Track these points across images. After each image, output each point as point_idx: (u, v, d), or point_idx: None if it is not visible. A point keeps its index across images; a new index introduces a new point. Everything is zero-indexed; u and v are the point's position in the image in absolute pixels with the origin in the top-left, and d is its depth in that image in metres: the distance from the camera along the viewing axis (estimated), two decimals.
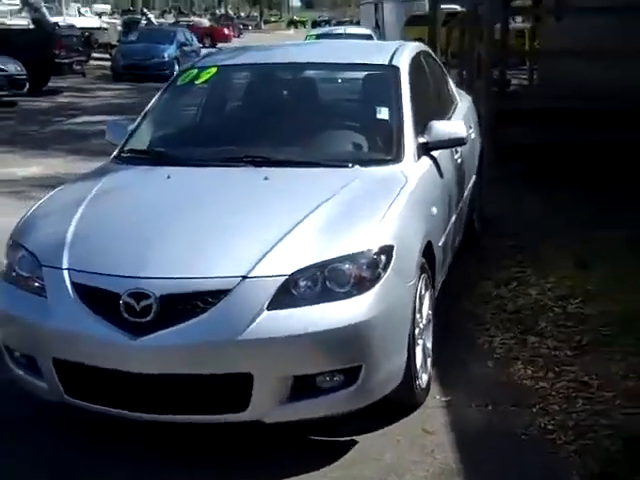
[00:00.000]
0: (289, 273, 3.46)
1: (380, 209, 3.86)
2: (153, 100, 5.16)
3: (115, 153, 4.85)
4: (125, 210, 4.07)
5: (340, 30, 24.35)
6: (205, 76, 5.13)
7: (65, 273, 3.62)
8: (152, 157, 4.68)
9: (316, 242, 3.61)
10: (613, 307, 5.21)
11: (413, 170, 4.38)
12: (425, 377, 4.10)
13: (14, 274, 3.86)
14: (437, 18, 18.10)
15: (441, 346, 4.39)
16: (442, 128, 4.66)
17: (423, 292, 4.02)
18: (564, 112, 8.95)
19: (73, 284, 3.58)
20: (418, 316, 3.94)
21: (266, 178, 4.20)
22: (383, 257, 3.61)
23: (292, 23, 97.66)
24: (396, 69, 4.94)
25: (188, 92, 5.32)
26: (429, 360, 4.21)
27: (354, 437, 3.85)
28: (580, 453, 3.69)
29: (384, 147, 4.56)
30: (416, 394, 4.00)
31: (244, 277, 3.44)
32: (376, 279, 3.56)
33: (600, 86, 9.03)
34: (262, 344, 3.37)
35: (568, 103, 9.18)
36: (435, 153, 4.68)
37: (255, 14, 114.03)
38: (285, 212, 3.85)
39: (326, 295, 3.48)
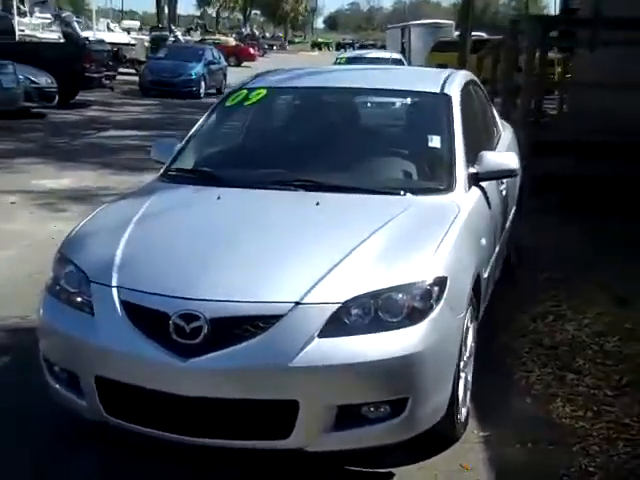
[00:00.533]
0: (342, 301, 3.43)
1: (434, 239, 3.83)
2: (201, 120, 5.17)
3: (162, 171, 4.85)
4: (175, 230, 4.06)
5: (373, 54, 24.29)
6: (254, 98, 5.12)
7: (114, 291, 3.61)
8: (200, 177, 4.67)
9: (370, 271, 3.58)
10: None
11: (464, 200, 4.36)
12: (464, 411, 4.07)
13: (59, 288, 3.86)
14: (467, 45, 18.22)
15: (479, 379, 4.34)
16: (493, 159, 4.64)
17: (469, 324, 3.99)
18: (598, 144, 8.94)
19: (122, 302, 3.57)
20: (463, 349, 3.90)
21: (318, 203, 4.18)
22: (436, 288, 3.58)
23: (316, 45, 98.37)
24: (448, 97, 4.93)
25: (237, 113, 5.31)
26: (468, 393, 4.17)
27: (392, 469, 3.82)
28: None
29: (436, 176, 4.54)
30: (456, 428, 3.96)
31: (297, 303, 3.41)
32: (428, 310, 3.53)
33: (631, 118, 9.02)
34: (311, 372, 3.34)
35: (600, 136, 9.15)
36: (484, 184, 4.65)
37: (280, 34, 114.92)
38: (338, 239, 3.83)
39: (377, 325, 3.45)
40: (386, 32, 58.61)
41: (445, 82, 5.12)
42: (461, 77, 5.41)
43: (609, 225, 8.07)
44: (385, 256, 3.69)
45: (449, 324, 3.62)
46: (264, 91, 5.18)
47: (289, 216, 4.15)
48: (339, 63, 20.39)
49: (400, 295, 3.50)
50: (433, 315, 3.53)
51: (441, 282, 3.60)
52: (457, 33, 34.24)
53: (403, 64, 21.07)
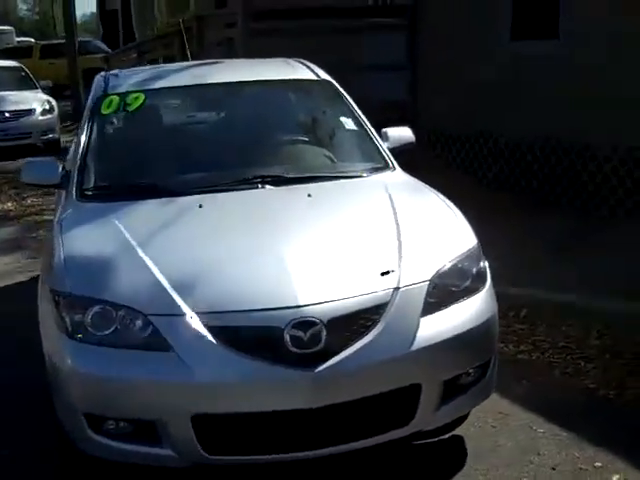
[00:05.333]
0: (429, 278, 3.47)
1: (446, 208, 4.00)
2: (82, 133, 4.61)
3: (74, 192, 4.27)
4: (201, 245, 3.68)
5: None
6: (136, 103, 4.72)
7: (192, 318, 3.24)
8: (141, 190, 4.19)
9: (430, 247, 3.64)
10: None
11: (403, 174, 4.54)
12: None
13: (86, 332, 3.34)
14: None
15: None
16: (398, 134, 4.85)
17: None
18: None
19: (209, 328, 3.22)
20: None
21: (309, 195, 4.08)
22: (480, 249, 3.77)
23: None
24: (331, 83, 5.03)
25: (122, 120, 4.82)
26: None
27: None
28: None
29: (373, 156, 4.60)
30: None
31: (396, 288, 3.38)
32: (486, 270, 3.71)
33: None
34: (428, 351, 3.34)
35: None
36: None
37: None
38: (371, 224, 3.83)
39: (461, 294, 3.55)
40: None
41: (312, 69, 5.18)
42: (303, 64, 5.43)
43: None
44: (429, 232, 3.77)
45: None
46: (142, 95, 4.80)
47: (302, 211, 4.00)
48: None
49: (466, 262, 3.64)
50: (489, 274, 3.72)
51: (479, 244, 3.81)
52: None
53: None
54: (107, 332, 3.33)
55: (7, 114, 15.08)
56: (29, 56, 25.57)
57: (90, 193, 4.30)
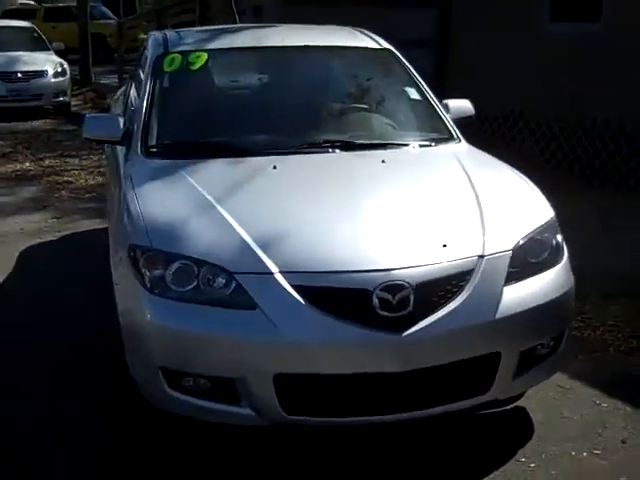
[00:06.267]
0: (511, 248, 3.46)
1: (520, 180, 3.99)
2: (145, 89, 4.56)
3: (139, 148, 4.23)
4: (283, 205, 3.65)
5: None
6: (199, 62, 4.67)
7: (279, 277, 3.21)
8: (210, 149, 4.18)
9: (510, 217, 3.64)
10: None
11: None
12: None
13: (166, 287, 3.32)
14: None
15: None
16: (459, 105, 4.83)
17: None
18: None
19: (296, 288, 3.20)
20: None
21: (383, 161, 4.06)
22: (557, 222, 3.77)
23: None
24: (393, 52, 5.03)
25: (186, 79, 4.74)
26: None
27: None
28: None
29: (439, 127, 4.60)
30: None
31: (481, 256, 3.37)
32: (562, 243, 3.70)
33: None
34: (511, 320, 3.34)
35: None
36: None
37: None
38: (451, 192, 3.83)
39: (541, 265, 3.54)
40: None
41: (373, 38, 5.14)
42: (363, 32, 5.40)
43: None
44: (507, 203, 3.77)
45: None
46: (205, 54, 4.74)
47: (380, 176, 3.99)
48: None
49: (546, 234, 3.64)
50: (565, 247, 3.71)
51: (555, 217, 3.79)
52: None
53: None
54: (188, 288, 3.31)
55: (19, 74, 14.96)
56: (32, 18, 25.31)
57: (155, 150, 4.27)
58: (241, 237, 3.38)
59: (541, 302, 3.44)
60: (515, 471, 3.44)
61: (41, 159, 10.91)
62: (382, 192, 3.81)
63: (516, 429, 3.80)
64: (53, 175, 9.85)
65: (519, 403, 3.88)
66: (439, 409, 3.37)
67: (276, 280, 3.22)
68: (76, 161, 10.65)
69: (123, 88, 6.74)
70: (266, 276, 3.23)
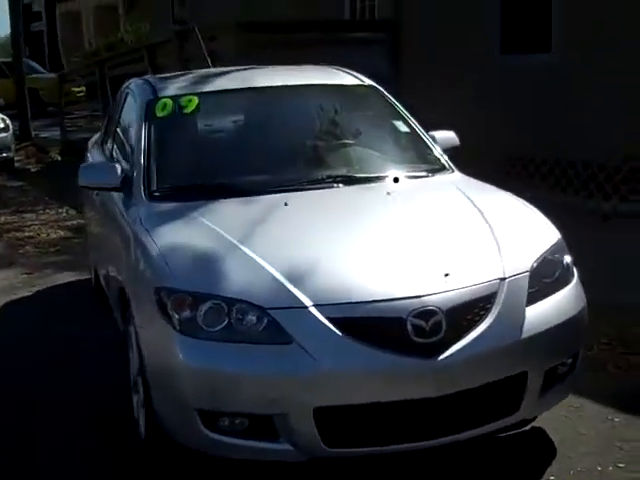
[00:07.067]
0: (528, 269, 3.56)
1: (520, 205, 4.12)
2: (140, 136, 4.57)
3: (142, 194, 4.24)
4: (304, 240, 3.69)
5: None
6: (191, 106, 4.71)
7: (314, 310, 3.25)
8: (215, 191, 4.19)
9: (521, 240, 3.74)
10: None
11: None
12: None
13: (197, 327, 3.33)
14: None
15: None
16: (445, 136, 4.92)
17: None
18: None
19: (331, 320, 3.24)
20: None
21: (388, 193, 4.15)
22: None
23: None
24: (376, 88, 5.15)
25: (179, 123, 4.78)
26: None
27: None
28: None
29: (430, 158, 4.71)
30: None
31: (502, 279, 3.46)
32: (572, 263, 3.82)
33: None
34: (534, 340, 3.42)
35: None
36: None
37: None
38: (459, 218, 3.92)
39: (555, 284, 3.64)
40: None
41: (355, 75, 5.25)
42: (344, 70, 5.50)
43: None
44: (515, 227, 3.87)
45: None
46: (195, 97, 4.79)
47: (390, 207, 4.07)
48: None
49: (556, 255, 3.75)
50: (574, 267, 3.83)
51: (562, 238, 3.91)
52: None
53: None
54: (219, 327, 3.32)
55: None
56: None
57: (159, 194, 4.28)
58: (270, 273, 3.41)
59: (560, 321, 3.54)
60: None
61: None
62: (397, 221, 3.90)
63: (538, 449, 3.86)
64: (12, 232, 9.69)
65: (534, 424, 3.95)
66: (476, 431, 3.42)
67: (311, 313, 3.26)
68: (33, 216, 10.52)
69: (98, 135, 6.73)
70: (301, 310, 3.27)
